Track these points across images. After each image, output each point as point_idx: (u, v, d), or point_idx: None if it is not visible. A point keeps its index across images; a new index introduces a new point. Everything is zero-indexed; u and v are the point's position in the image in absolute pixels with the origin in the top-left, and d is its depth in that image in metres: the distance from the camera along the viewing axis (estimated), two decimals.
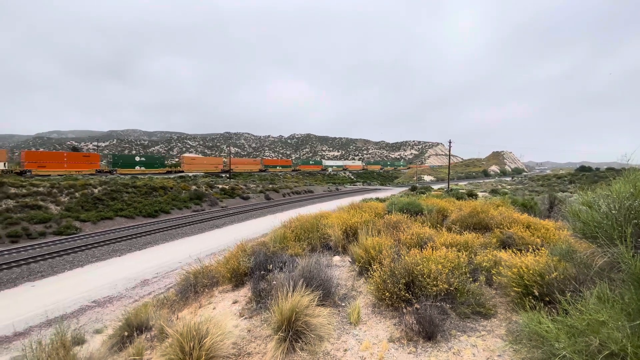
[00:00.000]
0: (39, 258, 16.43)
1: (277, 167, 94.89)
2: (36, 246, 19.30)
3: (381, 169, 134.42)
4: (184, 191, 38.45)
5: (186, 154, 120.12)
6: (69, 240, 21.17)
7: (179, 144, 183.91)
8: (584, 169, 78.81)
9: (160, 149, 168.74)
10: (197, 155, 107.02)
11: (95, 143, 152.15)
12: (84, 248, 18.70)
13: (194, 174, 63.36)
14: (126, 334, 5.06)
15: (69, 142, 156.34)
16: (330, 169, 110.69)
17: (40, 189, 27.53)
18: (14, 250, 18.23)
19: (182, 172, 64.61)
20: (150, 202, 32.91)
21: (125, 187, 33.92)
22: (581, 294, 2.62)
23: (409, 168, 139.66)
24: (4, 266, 15.02)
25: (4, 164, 41.34)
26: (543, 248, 4.27)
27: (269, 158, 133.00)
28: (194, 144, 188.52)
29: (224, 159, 79.88)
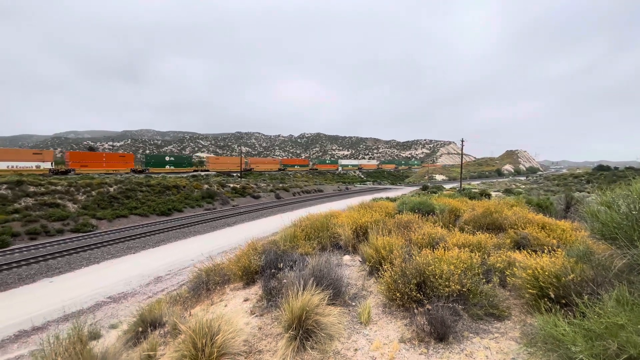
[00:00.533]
0: (56, 255, 16.94)
1: (295, 167, 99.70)
2: (54, 243, 19.93)
3: (395, 167, 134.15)
4: (196, 190, 39.00)
5: (208, 154, 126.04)
6: (86, 237, 21.77)
7: (192, 144, 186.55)
8: (602, 168, 76.54)
9: (173, 149, 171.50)
10: (219, 156, 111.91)
11: (111, 143, 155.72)
12: (99, 245, 19.20)
13: (217, 171, 68.91)
14: (140, 329, 5.15)
15: (85, 142, 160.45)
16: (340, 168, 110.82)
17: (59, 188, 28.36)
18: (33, 247, 18.84)
19: (208, 170, 69.91)
20: (163, 200, 33.51)
21: (140, 186, 34.62)
22: (599, 297, 2.55)
23: (423, 167, 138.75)
24: (23, 262, 15.54)
25: (51, 163, 44.36)
26: (559, 249, 4.16)
27: (286, 158, 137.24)
28: (205, 144, 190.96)
29: (246, 160, 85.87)
